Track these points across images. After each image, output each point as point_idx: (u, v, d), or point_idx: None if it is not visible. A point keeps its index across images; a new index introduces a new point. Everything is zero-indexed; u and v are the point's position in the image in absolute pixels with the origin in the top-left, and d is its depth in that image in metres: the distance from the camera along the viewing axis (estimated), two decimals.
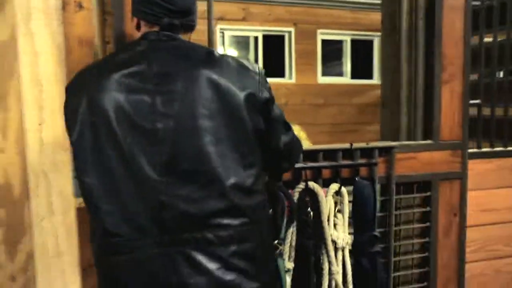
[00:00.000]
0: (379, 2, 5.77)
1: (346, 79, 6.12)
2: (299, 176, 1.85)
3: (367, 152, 1.95)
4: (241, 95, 1.18)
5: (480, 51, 2.29)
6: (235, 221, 1.18)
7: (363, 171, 1.96)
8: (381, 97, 2.20)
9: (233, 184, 1.16)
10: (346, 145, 1.92)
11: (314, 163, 1.86)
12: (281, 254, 1.71)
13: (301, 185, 1.81)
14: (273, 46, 5.74)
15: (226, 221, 1.17)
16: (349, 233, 1.89)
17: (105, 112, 1.11)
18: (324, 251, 1.83)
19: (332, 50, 6.15)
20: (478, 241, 2.29)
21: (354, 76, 6.14)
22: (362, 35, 6.07)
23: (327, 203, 1.83)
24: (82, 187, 1.17)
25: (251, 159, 1.21)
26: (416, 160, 2.06)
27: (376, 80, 6.20)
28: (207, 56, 1.21)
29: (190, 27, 1.30)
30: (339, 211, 1.87)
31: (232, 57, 1.27)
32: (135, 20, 1.28)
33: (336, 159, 1.90)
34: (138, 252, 1.14)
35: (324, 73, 5.99)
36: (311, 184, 1.81)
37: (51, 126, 1.54)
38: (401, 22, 2.03)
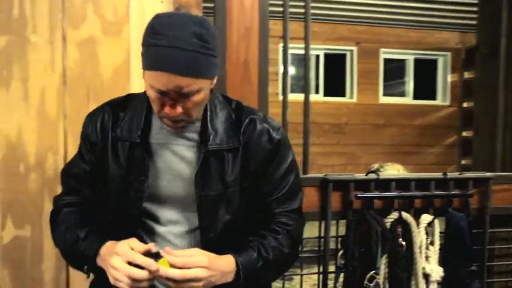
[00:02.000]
0: (445, 21, 5.65)
1: (408, 99, 6.00)
2: (391, 205, 1.80)
3: (460, 183, 1.88)
4: None
5: None
6: None
7: (455, 202, 1.89)
8: (475, 123, 2.12)
9: None
10: (439, 175, 1.86)
11: (407, 192, 1.81)
12: (377, 285, 1.67)
13: (394, 215, 1.76)
14: (334, 65, 5.72)
15: None
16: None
17: None
18: (413, 283, 1.77)
19: (393, 69, 6.05)
20: None
21: (416, 96, 6.01)
22: (426, 54, 5.94)
23: (420, 234, 1.77)
24: None
25: None
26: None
27: (439, 100, 6.04)
28: None
29: None
30: (431, 243, 1.81)
31: None
32: None
33: (428, 189, 1.83)
34: None
35: (385, 93, 5.90)
36: (404, 214, 1.76)
37: None
38: (499, 45, 1.95)
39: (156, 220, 1.19)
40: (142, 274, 0.98)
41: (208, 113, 1.15)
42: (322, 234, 1.84)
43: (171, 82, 1.00)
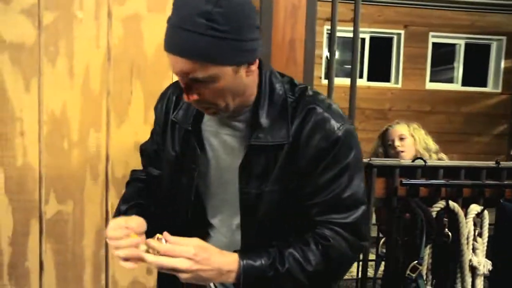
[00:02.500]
0: (498, 2, 5.35)
1: (456, 86, 5.75)
2: (438, 193, 1.72)
3: None
4: None
5: None
6: None
7: (508, 193, 1.79)
8: None
9: None
10: (492, 163, 1.76)
11: (456, 181, 1.72)
12: (420, 275, 1.61)
13: (440, 204, 1.68)
14: (380, 49, 5.54)
15: None
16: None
17: None
18: (459, 276, 1.70)
19: (442, 54, 5.80)
20: None
21: (465, 83, 5.75)
22: (478, 38, 5.65)
23: (467, 225, 1.68)
24: None
25: None
26: None
27: (490, 87, 5.76)
28: None
29: None
30: (479, 234, 1.72)
31: None
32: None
33: (479, 178, 1.74)
34: None
35: (432, 79, 5.67)
36: (451, 203, 1.68)
37: None
38: None
39: (205, 209, 1.17)
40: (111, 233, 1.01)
41: (260, 101, 1.04)
42: None
43: (176, 65, 0.93)
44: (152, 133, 1.27)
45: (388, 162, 1.74)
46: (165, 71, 1.62)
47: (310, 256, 1.01)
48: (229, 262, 0.98)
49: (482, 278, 1.70)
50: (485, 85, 5.81)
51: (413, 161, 1.76)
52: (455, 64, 5.80)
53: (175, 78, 1.59)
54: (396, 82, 5.51)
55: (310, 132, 1.02)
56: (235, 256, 1.00)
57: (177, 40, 0.90)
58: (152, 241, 0.96)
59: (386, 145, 2.46)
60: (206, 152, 1.12)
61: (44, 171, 1.63)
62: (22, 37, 1.58)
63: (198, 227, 1.16)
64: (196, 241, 0.98)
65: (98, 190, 1.64)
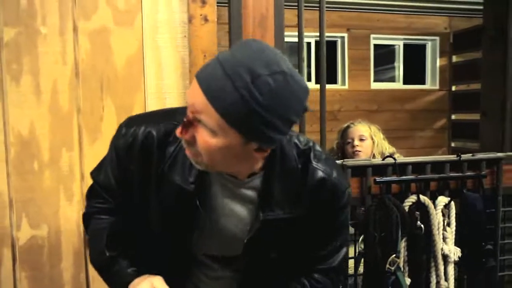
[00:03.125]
0: (433, 5, 5.67)
1: (398, 84, 6.02)
2: (408, 188, 1.81)
3: (473, 164, 1.90)
4: None
5: None
6: None
7: (468, 183, 1.91)
8: (482, 106, 2.13)
9: None
10: (453, 157, 1.87)
11: (424, 175, 1.81)
12: (399, 268, 1.67)
13: (412, 198, 1.77)
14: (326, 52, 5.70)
15: None
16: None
17: None
18: (433, 265, 1.79)
19: (383, 55, 6.07)
20: None
21: (406, 81, 6.04)
22: (415, 39, 5.97)
23: (437, 216, 1.78)
24: None
25: None
26: None
27: (428, 85, 6.09)
28: None
29: None
30: (447, 224, 1.82)
31: None
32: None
33: (443, 171, 1.84)
34: None
35: (376, 79, 5.91)
36: (422, 197, 1.76)
37: None
38: (508, 27, 1.96)
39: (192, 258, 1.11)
40: None
41: (272, 168, 0.97)
42: None
43: (193, 96, 0.83)
44: (112, 166, 1.05)
45: (360, 162, 1.80)
46: (136, 84, 1.59)
47: None
48: None
49: (453, 265, 1.80)
50: (424, 83, 6.12)
51: (383, 159, 1.83)
52: (396, 64, 6.07)
53: (148, 91, 1.59)
54: (343, 83, 5.69)
55: (323, 202, 1.02)
56: None
57: (211, 76, 0.81)
58: None
59: (344, 142, 2.53)
60: (207, 214, 1.02)
61: (14, 195, 1.55)
62: None
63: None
64: None
65: (74, 210, 1.59)
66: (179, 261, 1.09)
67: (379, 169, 1.80)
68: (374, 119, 5.78)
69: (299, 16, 1.87)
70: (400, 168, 1.80)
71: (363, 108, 5.66)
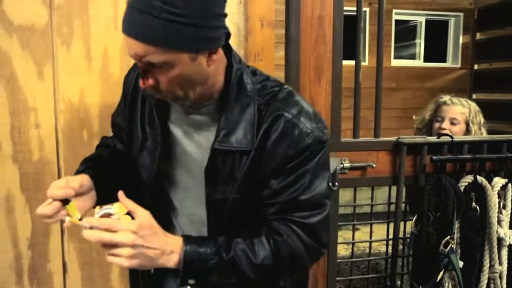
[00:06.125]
0: None
1: (419, 62, 5.90)
2: (463, 168, 1.75)
3: None
4: None
5: None
6: None
7: None
8: None
9: None
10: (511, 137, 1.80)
11: (482, 155, 1.75)
12: (452, 250, 1.63)
13: (468, 178, 1.71)
14: (346, 27, 5.57)
15: None
16: None
17: None
18: (487, 248, 1.74)
19: (404, 31, 5.92)
20: None
21: (427, 59, 5.91)
22: (437, 15, 5.82)
23: (493, 198, 1.72)
24: None
25: None
26: None
27: (449, 63, 5.97)
28: None
29: None
30: (503, 206, 1.77)
31: None
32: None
33: (501, 151, 1.78)
34: None
35: (396, 55, 5.79)
36: (479, 178, 1.70)
37: None
38: None
39: (166, 194, 1.16)
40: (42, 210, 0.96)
41: (226, 97, 0.99)
42: (392, 200, 1.78)
43: (131, 48, 0.87)
44: (119, 104, 1.24)
45: (416, 139, 1.73)
46: None
47: (259, 248, 0.99)
48: (172, 243, 0.95)
49: (507, 248, 1.75)
50: (445, 61, 6.00)
51: (438, 137, 1.77)
52: (417, 41, 5.94)
53: None
54: (363, 59, 5.57)
55: (277, 139, 0.98)
56: (180, 239, 0.97)
57: (132, 21, 0.85)
58: (90, 219, 0.90)
59: (436, 117, 2.26)
60: (171, 135, 1.09)
61: (63, 165, 1.49)
62: (32, 18, 1.41)
63: (158, 210, 1.07)
64: (145, 215, 0.93)
65: None
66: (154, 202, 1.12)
67: (434, 148, 1.74)
68: (394, 97, 5.69)
69: None
70: (457, 147, 1.73)
71: (383, 86, 5.57)
